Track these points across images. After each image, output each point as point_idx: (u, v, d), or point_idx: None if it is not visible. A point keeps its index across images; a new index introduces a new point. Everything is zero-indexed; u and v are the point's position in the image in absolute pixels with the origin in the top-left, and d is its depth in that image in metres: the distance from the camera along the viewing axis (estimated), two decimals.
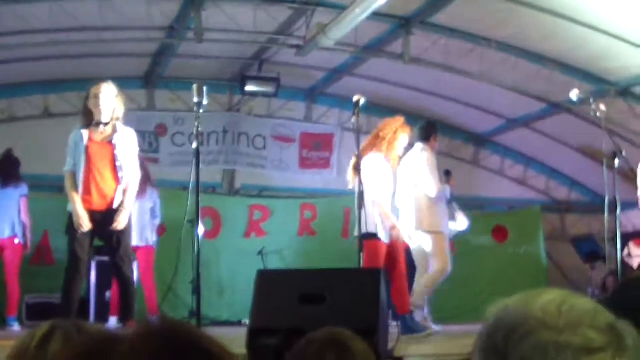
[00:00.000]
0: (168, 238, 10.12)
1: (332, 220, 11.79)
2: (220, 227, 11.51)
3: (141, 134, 9.93)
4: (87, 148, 6.02)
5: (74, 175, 6.05)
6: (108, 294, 9.15)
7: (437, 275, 7.48)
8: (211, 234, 11.09)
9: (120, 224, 6.02)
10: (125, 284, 6.20)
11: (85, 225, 5.94)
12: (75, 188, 6.00)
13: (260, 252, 11.02)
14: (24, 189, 8.95)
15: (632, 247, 9.93)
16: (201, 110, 5.43)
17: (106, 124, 6.08)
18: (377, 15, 8.95)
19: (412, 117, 8.22)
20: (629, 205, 8.15)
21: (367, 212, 6.72)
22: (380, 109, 11.82)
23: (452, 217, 7.87)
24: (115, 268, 6.22)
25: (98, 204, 6.03)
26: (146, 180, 7.28)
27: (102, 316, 8.94)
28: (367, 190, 6.79)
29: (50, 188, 9.85)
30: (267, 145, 12.56)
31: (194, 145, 5.43)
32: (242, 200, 12.20)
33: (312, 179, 12.73)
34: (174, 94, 11.86)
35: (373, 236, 6.99)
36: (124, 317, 6.32)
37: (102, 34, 9.72)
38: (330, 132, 12.86)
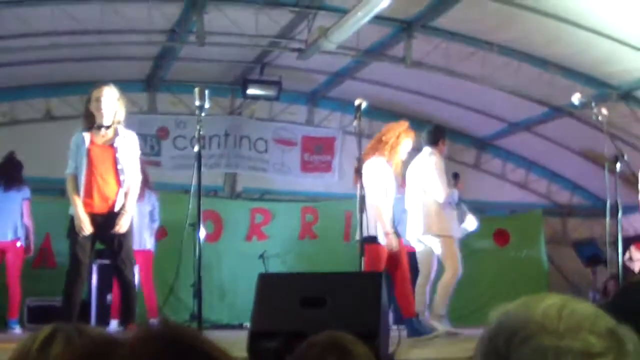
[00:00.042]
0: (169, 241, 10.12)
1: (334, 223, 11.79)
2: (221, 230, 11.51)
3: (143, 137, 9.95)
4: (88, 151, 6.03)
5: (75, 179, 6.05)
6: (109, 297, 9.16)
7: (450, 280, 7.49)
8: (212, 237, 11.09)
9: (122, 227, 6.02)
10: (127, 287, 6.20)
11: (87, 228, 5.95)
12: (77, 191, 6.00)
13: (261, 256, 11.01)
14: (26, 192, 8.95)
15: (634, 251, 9.92)
16: (203, 114, 5.44)
17: (108, 127, 6.08)
18: (378, 18, 8.96)
19: (413, 121, 8.22)
20: (630, 209, 8.15)
21: (369, 216, 6.73)
22: (382, 112, 11.83)
23: (462, 219, 7.86)
24: (116, 271, 6.22)
25: (99, 207, 6.03)
26: (145, 184, 7.29)
27: (103, 319, 8.94)
28: (368, 194, 6.80)
29: (52, 191, 9.86)
30: (268, 149, 12.57)
31: (196, 148, 5.43)
32: (243, 204, 12.21)
33: (313, 183, 12.74)
34: (175, 97, 11.87)
35: (374, 240, 6.99)
36: (125, 321, 6.32)
37: (103, 37, 9.73)
38: (331, 136, 12.86)
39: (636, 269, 9.91)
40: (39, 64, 10.42)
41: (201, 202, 5.43)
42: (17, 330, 8.65)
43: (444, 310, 7.43)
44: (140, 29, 9.61)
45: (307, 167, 12.79)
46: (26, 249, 8.99)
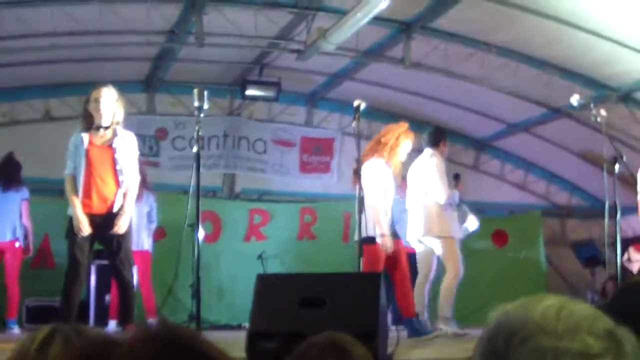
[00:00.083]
0: (168, 242, 10.13)
1: (332, 224, 11.79)
2: (220, 231, 11.51)
3: (141, 138, 9.96)
4: (87, 152, 6.03)
5: (74, 179, 6.05)
6: (107, 297, 9.15)
7: (452, 281, 7.50)
8: (211, 237, 11.10)
9: (120, 227, 6.02)
10: (125, 287, 6.20)
11: (85, 229, 5.95)
12: (76, 192, 6.00)
13: (260, 256, 11.01)
14: (25, 192, 8.95)
15: (632, 252, 9.93)
16: (202, 115, 5.44)
17: (106, 128, 6.08)
18: (377, 19, 8.96)
19: (412, 122, 8.22)
20: (629, 210, 8.16)
21: (367, 217, 6.73)
22: (381, 113, 11.84)
23: (463, 220, 7.87)
24: (115, 271, 6.22)
25: (98, 207, 6.03)
26: (142, 184, 7.29)
27: (102, 319, 8.94)
28: (367, 195, 6.80)
29: (51, 191, 9.86)
30: (267, 150, 12.58)
31: (195, 149, 5.43)
32: (242, 204, 12.21)
33: (312, 184, 12.74)
34: (174, 97, 11.87)
35: (373, 241, 6.99)
36: (123, 321, 6.32)
37: (103, 37, 9.73)
38: (330, 137, 12.87)
39: (635, 270, 9.92)
40: (38, 65, 10.42)
41: (200, 202, 5.43)
42: (16, 330, 8.65)
43: (449, 312, 7.43)
44: (139, 29, 9.61)
45: (305, 168, 12.80)
46: (25, 249, 8.99)
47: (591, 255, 12.05)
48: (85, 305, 8.70)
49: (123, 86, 6.90)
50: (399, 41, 10.13)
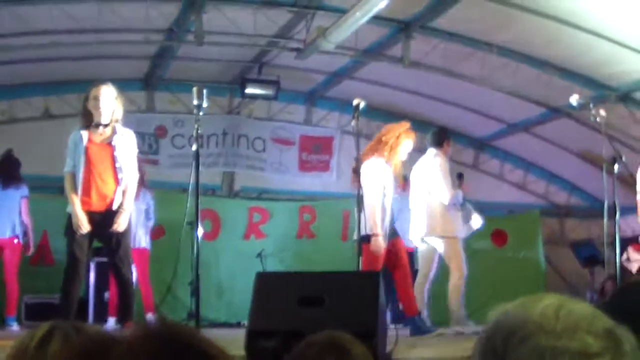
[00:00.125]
0: (167, 240, 10.13)
1: (331, 223, 11.79)
2: (219, 229, 11.51)
3: (141, 136, 9.95)
4: (86, 149, 6.02)
5: (73, 177, 6.05)
6: (106, 294, 9.16)
7: (458, 282, 7.52)
8: (210, 235, 11.10)
9: (120, 225, 6.02)
10: (124, 285, 6.20)
11: (84, 227, 5.94)
12: (75, 189, 6.00)
13: (259, 254, 11.01)
14: (24, 190, 8.95)
15: (631, 251, 9.93)
16: (201, 113, 5.44)
17: (106, 126, 6.08)
18: (377, 19, 8.95)
19: (412, 121, 8.18)
20: (628, 210, 8.16)
21: (367, 216, 6.73)
22: (380, 112, 11.83)
23: (468, 219, 7.87)
24: (114, 269, 6.22)
25: (97, 205, 6.03)
26: (140, 182, 7.29)
27: (101, 317, 8.95)
28: (365, 194, 6.80)
29: (50, 189, 9.85)
30: (266, 148, 12.58)
31: (194, 147, 5.43)
32: (241, 203, 12.21)
33: (311, 182, 12.74)
34: (174, 96, 11.87)
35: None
36: (122, 319, 6.32)
37: (102, 36, 9.73)
38: (329, 135, 12.87)
39: (634, 270, 9.92)
40: (37, 63, 10.41)
41: (199, 200, 5.43)
42: (15, 327, 8.65)
43: (462, 311, 7.44)
44: (138, 28, 9.61)
45: (305, 166, 12.80)
46: (25, 246, 8.99)
47: (590, 254, 12.06)
48: (84, 302, 8.70)
49: (122, 84, 6.90)
50: (398, 40, 10.12)
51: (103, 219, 6.01)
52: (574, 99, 7.15)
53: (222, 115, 12.31)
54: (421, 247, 7.72)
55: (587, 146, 11.57)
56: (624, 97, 10.48)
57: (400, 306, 7.49)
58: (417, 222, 7.68)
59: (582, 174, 12.80)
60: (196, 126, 5.40)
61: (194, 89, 5.45)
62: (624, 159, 6.85)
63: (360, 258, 6.50)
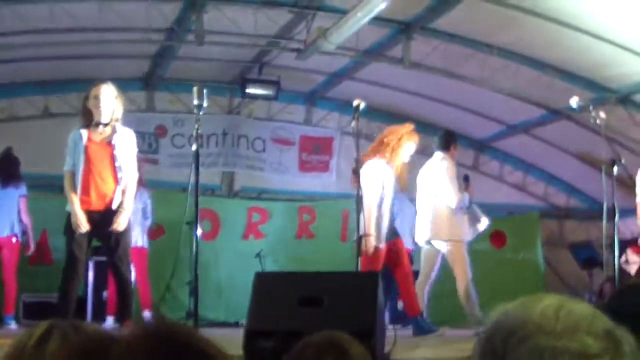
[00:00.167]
0: (166, 239, 10.14)
1: (330, 223, 11.79)
2: (218, 228, 11.51)
3: (141, 135, 9.95)
4: (86, 148, 6.02)
5: (73, 176, 6.04)
6: (105, 293, 9.15)
7: (465, 285, 7.51)
8: (209, 235, 11.09)
9: (120, 224, 6.02)
10: (123, 284, 6.19)
11: (83, 226, 5.94)
12: (74, 188, 6.00)
13: (258, 254, 11.01)
14: (23, 189, 8.94)
15: (630, 253, 9.92)
16: (201, 113, 5.44)
17: (106, 125, 6.08)
18: (377, 19, 8.96)
19: (411, 122, 8.21)
20: (627, 212, 8.16)
21: (366, 217, 6.73)
22: (380, 113, 11.84)
23: (477, 220, 7.86)
24: (113, 268, 6.22)
25: (97, 204, 6.03)
26: (138, 181, 7.29)
27: (99, 316, 8.94)
28: (364, 195, 6.80)
29: (49, 188, 9.84)
30: (266, 148, 12.58)
31: (194, 147, 5.43)
32: (240, 203, 12.21)
33: (311, 182, 12.74)
34: (174, 95, 11.87)
35: None
36: (121, 318, 6.31)
37: (102, 35, 9.73)
38: (329, 136, 12.87)
39: (632, 272, 9.92)
40: (37, 61, 10.42)
41: (198, 200, 5.42)
42: (13, 326, 8.64)
43: (478, 311, 7.44)
44: (138, 27, 9.61)
45: (304, 166, 12.80)
46: (25, 245, 8.98)
47: (589, 256, 12.06)
48: (82, 301, 8.70)
49: (122, 83, 6.90)
50: (398, 41, 10.13)
51: (102, 218, 6.01)
52: (573, 101, 7.15)
53: (222, 115, 12.31)
54: (425, 248, 7.71)
55: (586, 148, 11.57)
56: (624, 99, 10.48)
57: (400, 305, 7.49)
58: (423, 224, 7.67)
59: (582, 176, 12.81)
60: (196, 126, 5.40)
61: (194, 89, 5.45)
62: (623, 161, 6.84)
63: (359, 258, 6.50)
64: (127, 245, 6.20)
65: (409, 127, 7.44)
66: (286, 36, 10.23)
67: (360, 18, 8.56)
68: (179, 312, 9.85)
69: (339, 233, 11.64)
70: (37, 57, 10.24)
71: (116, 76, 8.04)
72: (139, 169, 6.41)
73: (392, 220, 7.24)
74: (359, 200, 6.62)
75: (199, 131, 5.42)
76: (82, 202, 5.97)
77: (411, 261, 8.04)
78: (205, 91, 5.45)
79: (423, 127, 10.14)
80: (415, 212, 8.04)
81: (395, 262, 7.15)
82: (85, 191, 6.00)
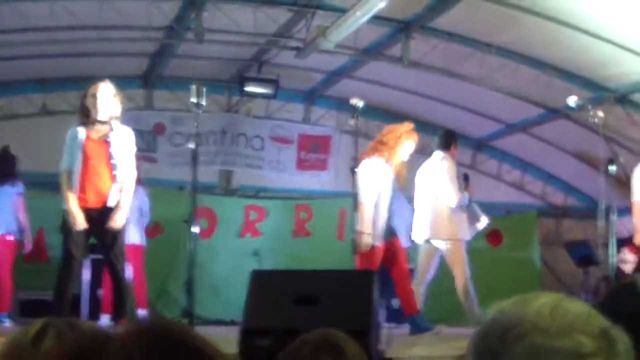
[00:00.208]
0: (164, 237, 10.13)
1: (327, 221, 11.78)
2: (215, 227, 11.49)
3: (139, 133, 9.91)
4: (84, 146, 6.02)
5: (70, 173, 6.04)
6: (100, 291, 9.14)
7: (464, 284, 7.51)
8: (206, 233, 11.07)
9: (116, 222, 6.02)
10: (119, 282, 6.19)
11: (80, 224, 5.94)
12: (71, 186, 5.99)
13: (255, 253, 11.01)
14: (20, 187, 8.92)
15: (626, 252, 9.93)
16: (200, 111, 5.44)
17: (104, 123, 6.08)
18: (376, 18, 8.95)
19: (411, 122, 8.21)
20: (624, 211, 8.17)
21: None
22: (379, 112, 11.84)
23: (475, 219, 7.86)
24: (109, 266, 6.22)
25: (93, 201, 6.03)
26: (136, 180, 7.29)
27: (94, 314, 8.92)
28: (360, 193, 6.80)
29: (47, 185, 9.83)
30: (265, 146, 12.58)
31: (192, 145, 5.44)
32: (237, 201, 12.20)
33: (309, 181, 12.75)
34: (172, 93, 11.86)
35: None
36: (116, 316, 6.31)
37: (101, 32, 9.72)
38: (328, 134, 12.87)
39: (628, 271, 9.93)
40: (36, 59, 10.41)
41: (196, 198, 5.43)
42: (8, 324, 8.62)
43: (477, 309, 7.44)
44: (138, 25, 9.60)
45: (303, 165, 12.80)
46: (21, 243, 8.95)
47: (585, 255, 12.06)
48: (77, 299, 8.69)
49: (121, 81, 6.91)
50: (398, 40, 10.12)
51: (99, 216, 6.01)
52: (572, 100, 7.16)
53: (220, 114, 12.31)
54: (423, 246, 7.71)
55: (584, 147, 11.58)
56: (622, 98, 10.49)
57: (395, 303, 7.48)
58: (422, 223, 7.66)
59: (579, 175, 12.82)
60: (195, 124, 5.41)
61: (193, 87, 5.46)
62: (621, 160, 6.86)
63: (356, 257, 6.50)
64: (123, 243, 6.21)
65: (408, 126, 7.44)
66: (285, 35, 10.23)
67: (360, 17, 8.56)
68: (174, 310, 9.85)
69: (336, 231, 11.64)
70: (37, 54, 10.23)
71: (115, 74, 8.05)
72: (137, 167, 6.41)
73: (389, 219, 7.24)
74: (356, 198, 6.62)
75: (197, 129, 5.42)
76: (79, 199, 5.97)
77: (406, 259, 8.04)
78: (204, 89, 5.46)
79: (421, 126, 10.13)
80: (411, 210, 8.04)
81: (392, 261, 7.15)
82: (82, 189, 5.99)
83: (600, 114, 6.86)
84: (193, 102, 5.44)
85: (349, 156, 7.16)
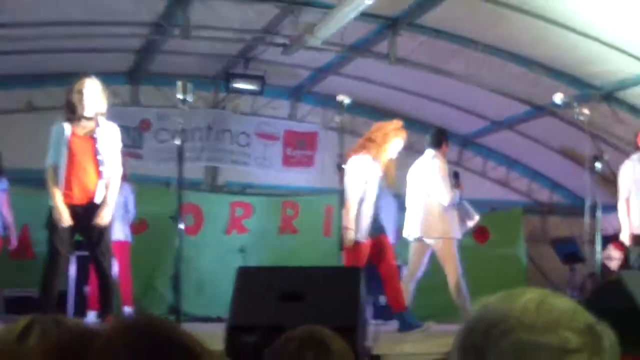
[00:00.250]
0: (150, 234, 10.10)
1: (313, 218, 11.78)
2: (201, 223, 11.47)
3: (125, 129, 9.88)
4: (69, 142, 5.99)
5: (55, 169, 6.01)
6: (86, 288, 9.11)
7: (456, 280, 7.53)
8: (192, 230, 11.05)
9: (102, 219, 6.00)
10: (105, 279, 6.17)
11: (66, 220, 5.91)
12: (56, 182, 5.96)
13: (241, 249, 10.99)
14: (4, 183, 8.88)
15: (611, 249, 9.99)
16: (186, 107, 5.43)
17: (89, 119, 6.05)
18: (364, 15, 8.95)
19: (396, 118, 8.21)
20: (609, 208, 8.21)
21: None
22: (365, 109, 11.84)
23: (468, 217, 7.88)
24: (95, 263, 6.20)
25: (79, 198, 6.00)
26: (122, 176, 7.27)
27: (81, 310, 8.89)
28: (346, 189, 6.81)
29: (32, 182, 9.77)
30: (251, 143, 12.56)
31: (178, 141, 5.42)
32: (224, 197, 12.19)
33: (295, 177, 12.74)
34: (158, 90, 11.81)
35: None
36: (103, 312, 6.29)
37: (87, 28, 9.67)
38: (314, 131, 12.87)
39: (614, 267, 9.99)
40: (21, 55, 10.33)
41: (182, 195, 5.42)
42: None
43: (469, 305, 7.46)
44: (124, 21, 9.56)
45: (289, 161, 12.79)
46: (6, 240, 8.91)
47: (570, 251, 12.11)
48: (63, 296, 8.65)
49: (107, 77, 6.85)
50: (385, 37, 10.12)
51: (85, 212, 5.98)
52: (558, 98, 7.18)
53: (206, 110, 12.28)
54: (413, 244, 7.72)
55: (570, 144, 11.63)
56: (608, 96, 10.53)
57: (382, 300, 7.49)
58: (413, 221, 7.67)
59: (565, 172, 12.87)
60: (181, 120, 5.39)
61: (179, 83, 5.44)
62: (606, 157, 6.88)
63: (342, 253, 6.50)
64: (109, 239, 6.19)
65: (397, 124, 7.45)
66: (272, 31, 10.21)
67: (347, 13, 8.55)
68: (161, 306, 9.83)
69: (322, 228, 11.64)
70: (21, 50, 10.16)
71: (101, 70, 7.99)
72: (123, 163, 6.39)
73: (377, 216, 7.24)
74: (343, 195, 6.62)
75: (183, 125, 5.40)
76: (65, 196, 5.94)
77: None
78: (190, 86, 5.44)
79: (408, 122, 10.11)
80: (398, 208, 8.05)
81: (379, 258, 7.16)
82: (68, 185, 5.97)
83: (586, 111, 6.88)
84: (179, 99, 5.42)
85: (335, 153, 7.15)
